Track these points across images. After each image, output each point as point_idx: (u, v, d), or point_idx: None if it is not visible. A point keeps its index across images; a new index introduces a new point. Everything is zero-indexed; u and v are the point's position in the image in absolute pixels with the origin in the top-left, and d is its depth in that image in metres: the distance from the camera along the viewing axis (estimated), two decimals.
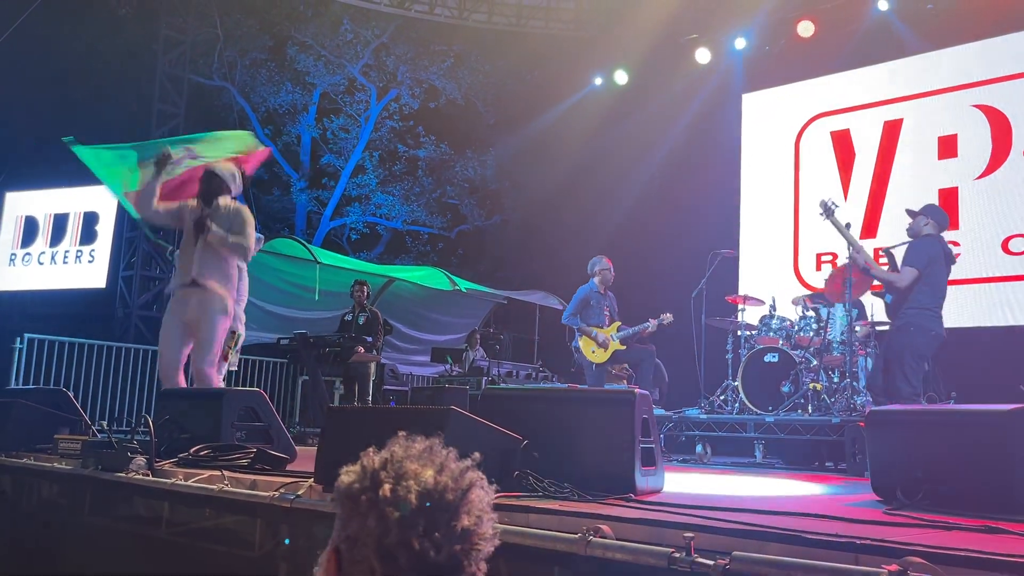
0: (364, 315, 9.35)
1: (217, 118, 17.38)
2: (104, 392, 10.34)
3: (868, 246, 9.24)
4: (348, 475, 1.12)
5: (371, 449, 1.14)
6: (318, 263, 11.48)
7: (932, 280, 6.01)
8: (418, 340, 13.43)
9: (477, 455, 1.18)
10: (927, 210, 6.35)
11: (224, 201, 5.53)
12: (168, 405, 5.02)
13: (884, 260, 6.67)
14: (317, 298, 11.00)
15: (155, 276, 13.72)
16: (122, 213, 13.72)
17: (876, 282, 6.66)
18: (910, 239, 6.26)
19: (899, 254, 6.32)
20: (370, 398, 9.21)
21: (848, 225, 6.72)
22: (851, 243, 6.37)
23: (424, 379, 12.52)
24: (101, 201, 13.87)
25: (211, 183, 5.51)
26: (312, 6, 16.52)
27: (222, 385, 5.56)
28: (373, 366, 9.32)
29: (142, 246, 13.51)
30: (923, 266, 5.97)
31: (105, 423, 8.58)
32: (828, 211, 6.35)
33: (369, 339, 9.16)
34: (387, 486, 1.09)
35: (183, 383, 5.57)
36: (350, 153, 18.46)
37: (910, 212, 6.38)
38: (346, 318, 9.39)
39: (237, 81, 17.41)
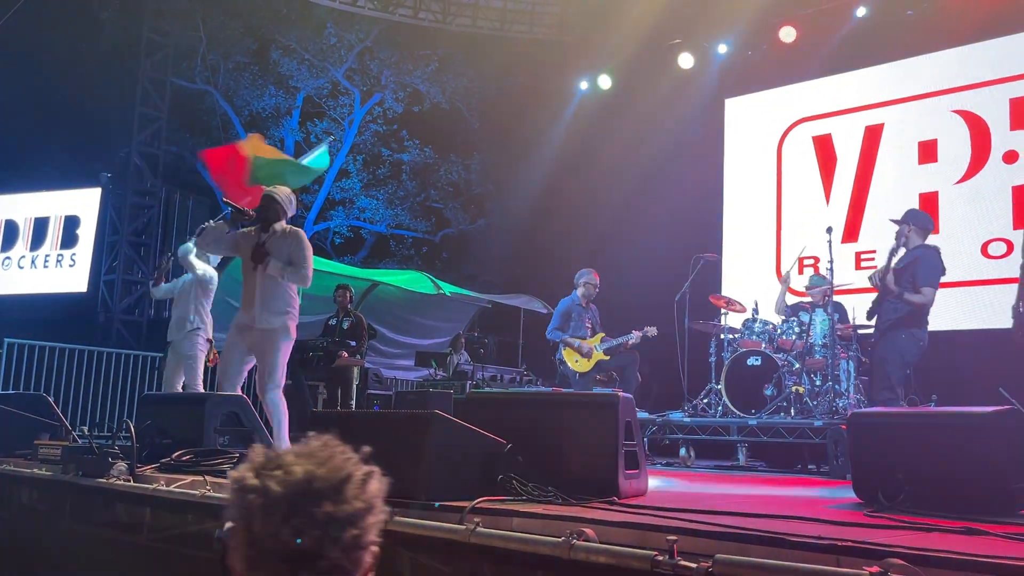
0: (348, 319, 9.33)
1: (200, 122, 17.33)
2: (85, 397, 10.26)
3: (850, 250, 9.35)
4: (238, 468, 1.15)
5: (258, 446, 1.17)
6: None
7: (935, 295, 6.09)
8: (402, 344, 13.40)
9: (366, 448, 1.19)
10: (908, 217, 6.33)
11: (280, 226, 5.51)
12: (150, 410, 5.00)
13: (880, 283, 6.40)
14: (301, 302, 10.94)
15: (137, 280, 13.64)
16: (104, 216, 13.65)
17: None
18: (903, 248, 6.22)
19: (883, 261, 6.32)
20: (354, 403, 9.18)
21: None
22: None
23: (408, 383, 12.48)
24: (82, 205, 13.79)
25: (270, 208, 5.48)
26: (295, 9, 16.46)
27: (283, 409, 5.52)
28: (357, 370, 9.29)
29: (124, 250, 13.42)
30: (937, 282, 6.03)
31: (86, 428, 8.50)
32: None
33: (353, 343, 9.14)
34: (251, 475, 1.11)
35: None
36: (334, 157, 18.42)
37: (894, 220, 6.38)
38: (330, 322, 9.36)
39: (220, 84, 17.34)
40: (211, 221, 5.85)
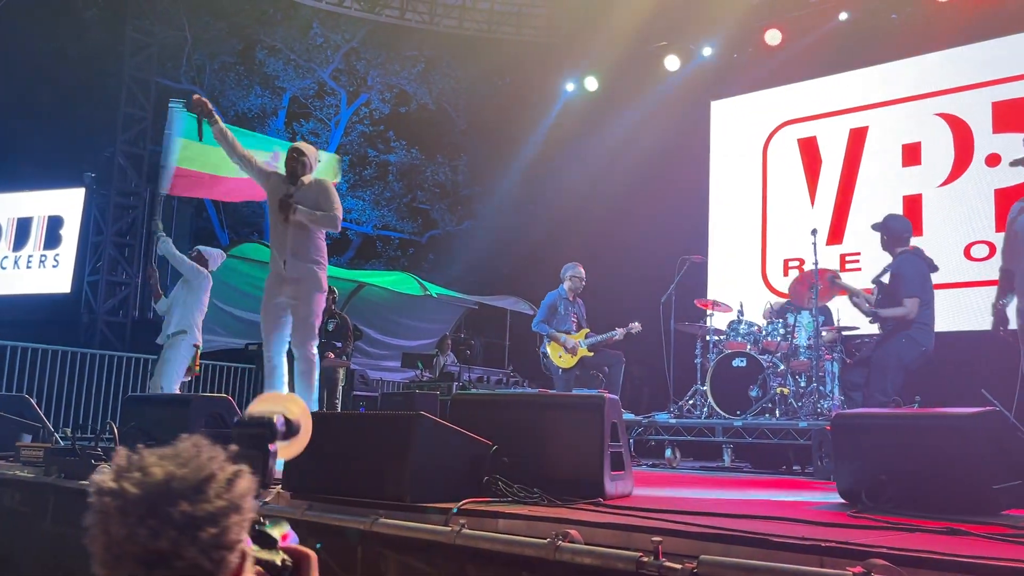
0: (333, 321, 9.30)
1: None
2: (68, 399, 10.18)
3: (834, 252, 9.40)
4: (101, 472, 1.15)
5: (122, 449, 1.16)
6: None
7: (926, 297, 5.97)
8: (388, 345, 13.38)
9: (233, 447, 1.19)
10: (882, 226, 6.25)
11: (307, 179, 5.62)
12: (134, 411, 4.96)
13: (876, 293, 6.46)
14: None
15: (121, 281, 13.54)
16: (88, 217, 13.55)
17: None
18: (889, 254, 6.19)
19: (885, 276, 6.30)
20: (339, 404, 9.15)
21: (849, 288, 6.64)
22: (854, 296, 6.37)
23: (394, 384, 12.47)
24: (66, 205, 13.68)
25: (298, 161, 5.58)
26: (281, 9, 16.43)
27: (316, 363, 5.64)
28: (342, 372, 9.27)
29: (108, 251, 13.34)
30: (919, 290, 5.91)
31: (69, 430, 8.44)
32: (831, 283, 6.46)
33: (338, 344, 9.12)
34: (110, 478, 1.11)
35: (285, 367, 5.63)
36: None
37: (875, 227, 6.33)
38: None
39: (206, 84, 17.27)
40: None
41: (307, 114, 18.50)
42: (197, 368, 7.35)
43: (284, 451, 1.75)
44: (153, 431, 4.66)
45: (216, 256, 7.95)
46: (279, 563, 1.34)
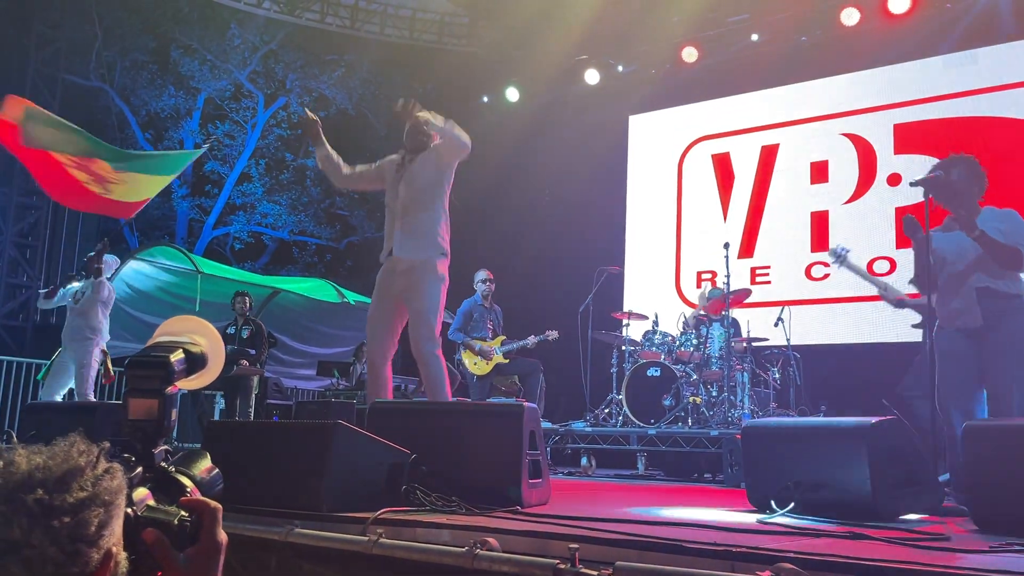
0: (247, 327, 9.13)
1: (94, 121, 16.65)
2: None
3: (745, 265, 9.67)
4: None
5: None
6: (199, 273, 11.12)
7: None
8: (304, 353, 13.17)
9: (106, 444, 1.18)
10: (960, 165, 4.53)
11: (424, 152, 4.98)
12: (35, 419, 4.77)
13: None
14: (198, 309, 10.65)
15: (21, 284, 12.98)
16: None
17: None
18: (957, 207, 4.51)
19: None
20: (252, 412, 8.97)
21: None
22: (875, 284, 5.47)
23: (310, 393, 12.27)
24: None
25: (417, 136, 4.98)
26: (198, 8, 16.04)
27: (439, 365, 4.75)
28: (256, 380, 9.10)
29: (8, 251, 12.78)
30: None
31: None
32: (840, 258, 5.54)
33: (252, 352, 8.95)
34: None
35: (390, 376, 4.88)
36: (235, 160, 18.00)
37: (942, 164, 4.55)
38: (228, 330, 9.13)
39: (116, 83, 16.73)
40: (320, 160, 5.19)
41: (223, 116, 18.10)
42: (112, 374, 7.15)
43: (190, 383, 1.55)
44: (55, 440, 4.49)
45: (112, 263, 7.89)
46: (176, 523, 1.22)
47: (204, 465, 1.39)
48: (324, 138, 5.09)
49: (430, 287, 4.71)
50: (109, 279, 7.73)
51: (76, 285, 7.47)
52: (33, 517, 1.05)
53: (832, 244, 6.01)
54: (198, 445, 4.33)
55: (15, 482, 1.07)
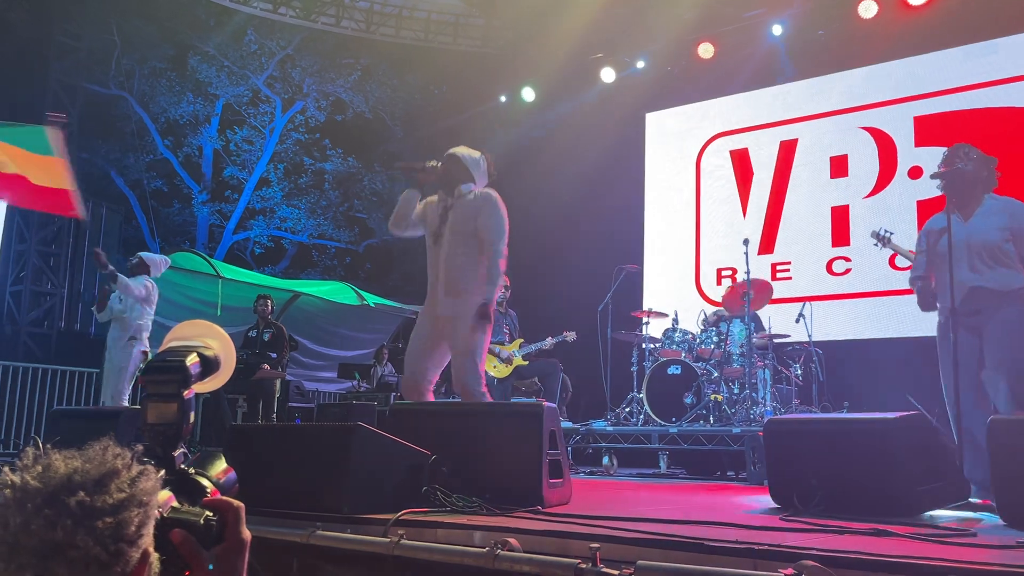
0: (269, 331, 9.17)
1: (114, 128, 16.83)
2: None
3: (766, 261, 9.61)
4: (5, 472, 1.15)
5: (29, 449, 1.16)
6: (220, 277, 11.21)
7: None
8: (325, 356, 13.23)
9: (139, 447, 1.19)
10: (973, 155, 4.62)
11: (468, 188, 4.81)
12: (60, 426, 4.82)
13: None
14: (219, 313, 10.74)
15: (46, 291, 13.12)
16: (10, 225, 13.10)
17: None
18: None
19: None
20: (275, 416, 9.02)
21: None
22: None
23: (331, 395, 12.33)
24: None
25: (450, 170, 4.79)
26: (215, 15, 16.15)
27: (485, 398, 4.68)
28: (278, 383, 9.14)
29: (32, 260, 12.91)
30: None
31: None
32: (884, 240, 5.66)
33: (274, 355, 8.99)
34: (13, 474, 1.11)
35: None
36: (254, 165, 18.11)
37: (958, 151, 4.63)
38: (250, 334, 9.18)
39: (135, 90, 16.88)
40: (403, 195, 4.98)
41: (241, 121, 18.21)
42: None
43: (204, 386, 1.59)
44: (80, 446, 4.53)
45: (159, 262, 8.05)
46: (202, 522, 1.25)
47: (220, 467, 1.42)
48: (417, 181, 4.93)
49: (473, 336, 4.60)
50: (156, 278, 7.96)
51: (114, 292, 7.71)
52: (76, 519, 1.06)
53: (874, 228, 6.00)
54: (220, 449, 4.36)
55: (55, 485, 1.08)
